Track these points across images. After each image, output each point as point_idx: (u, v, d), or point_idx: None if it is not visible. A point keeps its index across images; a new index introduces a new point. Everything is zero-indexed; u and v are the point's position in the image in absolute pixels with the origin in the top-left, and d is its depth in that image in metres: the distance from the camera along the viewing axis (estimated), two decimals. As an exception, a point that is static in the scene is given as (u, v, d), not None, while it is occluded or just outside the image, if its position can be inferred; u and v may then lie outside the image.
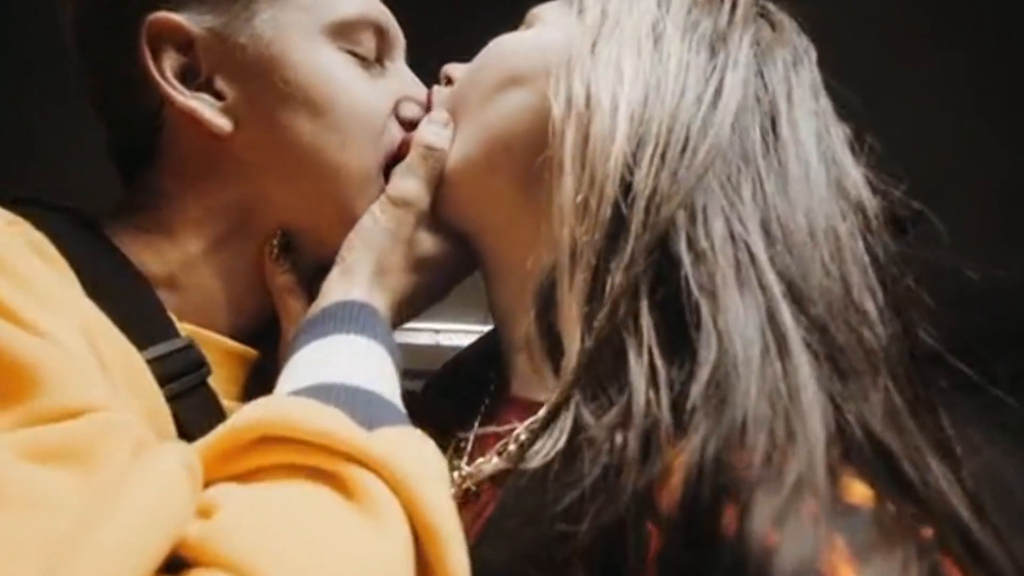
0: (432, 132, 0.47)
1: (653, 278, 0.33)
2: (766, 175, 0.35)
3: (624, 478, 0.29)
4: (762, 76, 0.38)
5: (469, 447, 0.46)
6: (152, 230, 0.47)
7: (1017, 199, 1.53)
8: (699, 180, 0.33)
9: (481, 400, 0.49)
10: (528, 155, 0.40)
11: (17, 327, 0.27)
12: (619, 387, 0.31)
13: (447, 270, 0.50)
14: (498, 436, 0.43)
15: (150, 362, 0.37)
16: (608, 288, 0.33)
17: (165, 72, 0.44)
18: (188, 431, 0.39)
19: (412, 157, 0.46)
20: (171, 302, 0.45)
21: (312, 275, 0.50)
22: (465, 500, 0.41)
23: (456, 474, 0.43)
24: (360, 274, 0.44)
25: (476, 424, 0.47)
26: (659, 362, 0.31)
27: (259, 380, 0.51)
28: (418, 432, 0.34)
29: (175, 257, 0.46)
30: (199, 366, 0.42)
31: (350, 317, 0.41)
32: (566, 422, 0.32)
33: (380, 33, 0.49)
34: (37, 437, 0.25)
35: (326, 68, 0.46)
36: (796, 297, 0.32)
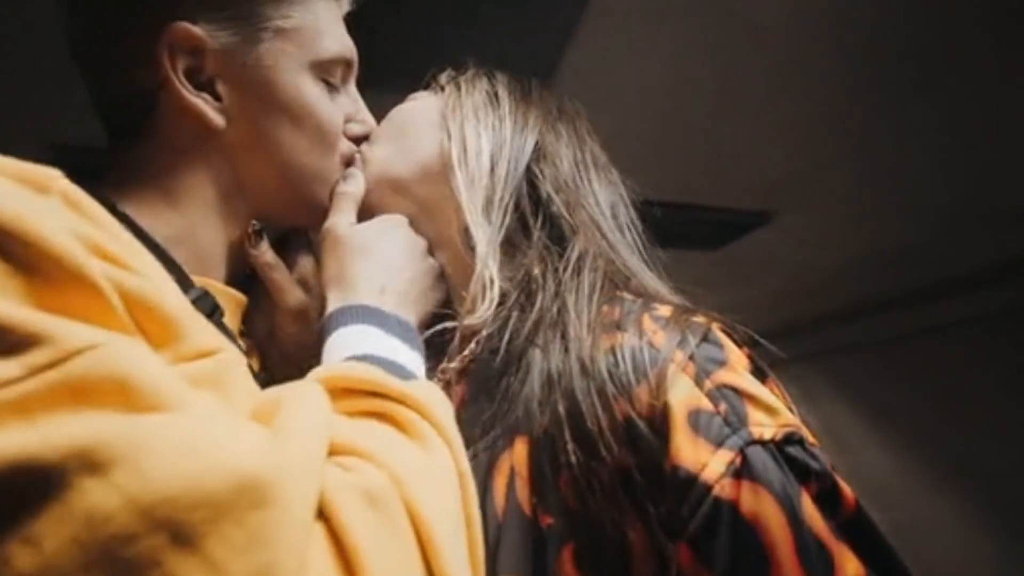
0: (347, 180, 0.64)
1: (527, 217, 0.61)
2: (584, 167, 0.64)
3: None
4: (554, 130, 0.65)
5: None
6: (153, 197, 0.53)
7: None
8: (523, 171, 0.62)
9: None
10: (439, 164, 0.63)
11: (123, 271, 0.34)
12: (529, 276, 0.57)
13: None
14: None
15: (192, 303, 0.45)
16: (505, 226, 0.59)
17: (179, 72, 0.52)
18: None
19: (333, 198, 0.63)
20: (179, 258, 0.51)
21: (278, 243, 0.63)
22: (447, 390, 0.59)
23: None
24: (347, 281, 0.57)
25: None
26: (548, 257, 0.58)
27: (245, 320, 0.61)
28: (432, 385, 0.47)
29: (177, 221, 0.53)
30: (216, 309, 0.51)
31: (352, 316, 0.53)
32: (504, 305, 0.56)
33: (347, 66, 0.63)
34: (187, 372, 0.35)
35: (306, 93, 0.58)
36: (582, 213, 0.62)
